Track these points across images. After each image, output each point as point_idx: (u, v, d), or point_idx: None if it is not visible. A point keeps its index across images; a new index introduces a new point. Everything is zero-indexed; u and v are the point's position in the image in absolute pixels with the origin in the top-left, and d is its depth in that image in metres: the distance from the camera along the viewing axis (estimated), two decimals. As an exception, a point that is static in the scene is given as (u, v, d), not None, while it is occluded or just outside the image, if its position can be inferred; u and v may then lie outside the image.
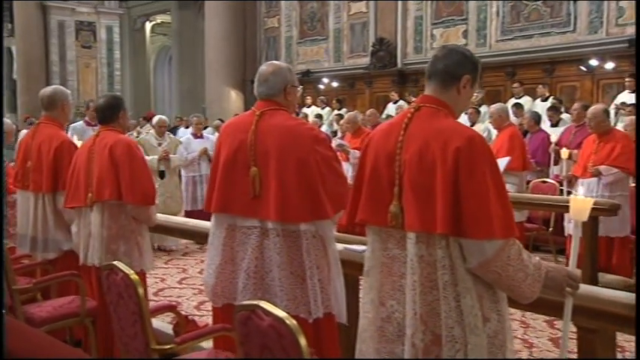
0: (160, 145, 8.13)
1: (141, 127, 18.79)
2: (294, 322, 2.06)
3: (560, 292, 2.33)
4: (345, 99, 15.72)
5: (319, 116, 14.22)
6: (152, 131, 8.54)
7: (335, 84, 16.65)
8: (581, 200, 2.41)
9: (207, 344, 3.34)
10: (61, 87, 4.94)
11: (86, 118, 8.31)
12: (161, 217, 5.03)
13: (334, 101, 15.28)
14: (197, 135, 8.96)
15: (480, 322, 2.19)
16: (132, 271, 2.71)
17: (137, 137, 19.40)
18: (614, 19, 11.82)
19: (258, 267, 3.00)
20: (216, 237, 3.16)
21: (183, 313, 5.07)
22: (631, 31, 11.51)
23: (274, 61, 3.36)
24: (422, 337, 2.20)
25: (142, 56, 26.63)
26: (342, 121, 10.76)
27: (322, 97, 15.91)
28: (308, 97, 16.03)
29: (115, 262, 2.83)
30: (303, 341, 2.01)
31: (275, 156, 2.97)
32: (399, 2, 15.25)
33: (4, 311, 2.74)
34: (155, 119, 8.63)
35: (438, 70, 2.38)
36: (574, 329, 2.68)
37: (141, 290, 2.65)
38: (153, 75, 28.12)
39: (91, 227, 3.88)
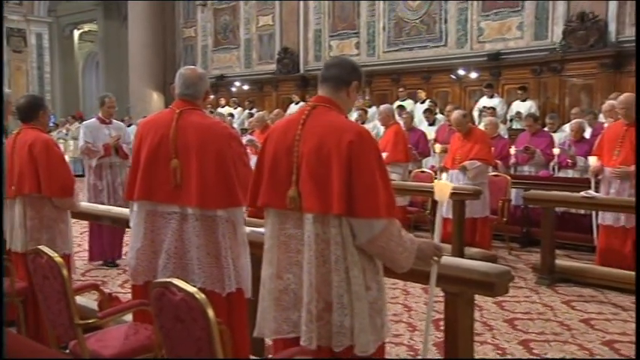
0: None
1: (70, 125, 18.06)
2: (203, 296, 2.05)
3: (428, 262, 2.42)
4: (254, 100, 15.63)
5: (231, 115, 14.07)
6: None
7: (246, 87, 16.53)
8: (443, 184, 2.46)
9: (130, 317, 3.26)
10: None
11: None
12: (88, 206, 4.82)
13: (246, 102, 15.18)
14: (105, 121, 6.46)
15: (363, 291, 2.23)
16: (56, 254, 2.61)
17: (66, 134, 18.36)
18: (476, 37, 12.30)
19: (178, 248, 2.97)
20: (137, 222, 3.09)
21: (108, 291, 4.91)
22: (489, 47, 12.06)
23: (195, 67, 3.31)
24: (316, 304, 2.23)
25: (70, 61, 25.40)
26: (251, 120, 10.68)
27: (234, 99, 15.80)
28: (222, 99, 15.89)
29: (40, 247, 2.72)
30: (211, 313, 2.00)
31: (195, 149, 2.94)
32: (301, 17, 15.33)
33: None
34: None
35: (331, 75, 2.41)
36: (442, 293, 2.77)
37: (65, 271, 2.56)
38: (81, 78, 26.91)
39: (14, 217, 3.70)
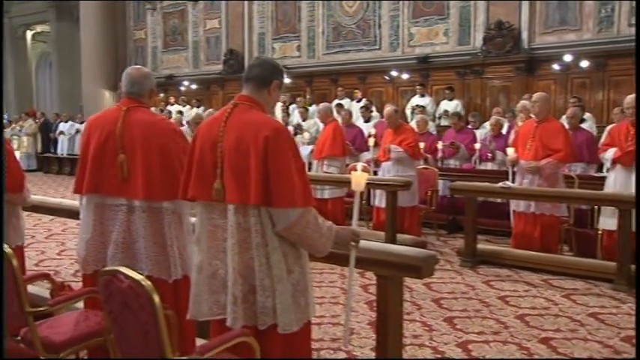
0: None
1: (23, 122, 17.34)
2: (149, 283, 2.01)
3: (346, 246, 2.43)
4: (202, 99, 15.41)
5: (180, 112, 13.81)
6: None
7: (194, 86, 16.31)
8: (359, 175, 2.46)
9: (82, 305, 3.15)
10: None
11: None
12: (42, 199, 4.64)
13: (193, 101, 14.96)
14: None
15: (284, 274, 2.25)
16: (6, 246, 2.50)
17: (20, 130, 17.60)
18: (407, 41, 12.51)
19: (126, 238, 2.91)
20: (86, 214, 3.01)
21: (60, 280, 4.75)
22: (419, 50, 12.27)
23: (141, 67, 3.21)
24: (241, 288, 2.24)
25: (23, 60, 24.30)
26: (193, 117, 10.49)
27: (183, 97, 15.57)
28: (171, 97, 15.61)
29: (-11, 239, 2.59)
30: (156, 299, 1.96)
31: (141, 145, 2.87)
32: (246, 21, 15.21)
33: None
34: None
35: (253, 75, 2.39)
36: (374, 277, 2.80)
37: (15, 261, 2.46)
38: (35, 77, 25.74)
39: None
